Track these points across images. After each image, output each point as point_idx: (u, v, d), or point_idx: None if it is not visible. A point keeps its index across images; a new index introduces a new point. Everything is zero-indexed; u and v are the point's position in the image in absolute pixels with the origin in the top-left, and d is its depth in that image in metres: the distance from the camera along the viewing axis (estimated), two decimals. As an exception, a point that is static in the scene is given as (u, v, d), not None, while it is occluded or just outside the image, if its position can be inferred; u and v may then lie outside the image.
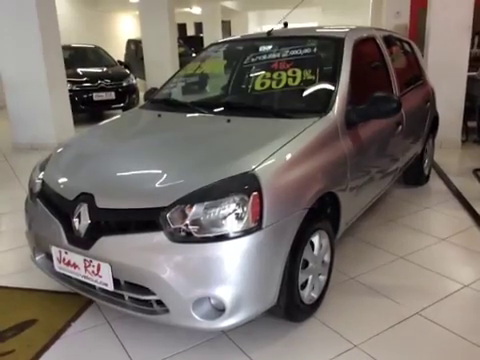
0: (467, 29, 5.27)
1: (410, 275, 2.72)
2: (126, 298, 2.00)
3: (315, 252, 2.24)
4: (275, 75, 2.74)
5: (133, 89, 8.88)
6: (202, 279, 1.82)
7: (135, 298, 1.98)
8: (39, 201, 2.28)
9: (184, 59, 11.70)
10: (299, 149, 2.14)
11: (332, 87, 2.55)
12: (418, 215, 3.67)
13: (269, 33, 3.12)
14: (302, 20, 29.21)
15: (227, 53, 3.24)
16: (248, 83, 2.79)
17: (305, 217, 2.06)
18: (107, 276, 1.96)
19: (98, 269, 1.98)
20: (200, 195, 1.85)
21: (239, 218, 1.82)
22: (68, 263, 2.10)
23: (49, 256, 2.31)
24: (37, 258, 2.39)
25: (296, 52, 2.85)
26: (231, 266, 1.81)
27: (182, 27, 21.01)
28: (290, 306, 2.11)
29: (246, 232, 1.82)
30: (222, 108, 2.66)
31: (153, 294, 1.89)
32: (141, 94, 9.67)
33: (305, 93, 2.65)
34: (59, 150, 2.62)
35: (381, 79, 3.20)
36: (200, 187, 1.86)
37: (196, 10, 18.52)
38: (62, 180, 2.25)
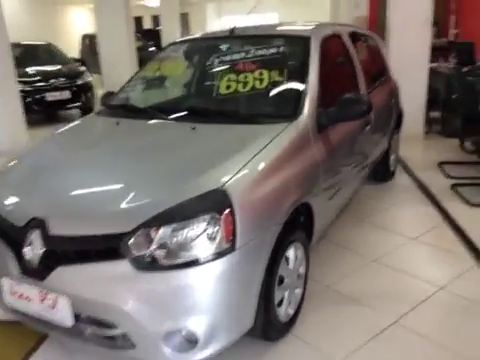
0: (427, 22, 5.29)
1: (385, 279, 2.67)
2: (87, 333, 1.82)
3: (290, 266, 2.13)
4: (241, 77, 2.58)
5: (89, 87, 8.52)
6: (172, 310, 1.67)
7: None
8: None
9: (142, 53, 11.39)
10: (271, 159, 2.01)
11: (301, 89, 2.43)
12: (387, 213, 3.63)
13: (232, 32, 2.96)
14: (261, 10, 29.18)
15: (188, 53, 3.06)
16: (212, 86, 2.63)
17: (280, 231, 1.94)
18: (65, 310, 1.77)
19: (55, 302, 1.79)
20: (166, 217, 1.69)
21: (210, 239, 1.68)
22: (21, 296, 1.89)
23: None
24: None
25: (262, 52, 2.71)
26: (204, 294, 1.67)
27: (138, 20, 20.43)
28: (267, 326, 1.99)
29: (219, 255, 1.67)
30: (185, 114, 2.49)
31: (117, 328, 1.73)
32: (98, 92, 9.40)
33: (273, 96, 2.51)
34: (8, 165, 2.38)
35: (348, 78, 3.11)
36: (166, 208, 1.70)
37: (152, 2, 18.02)
38: (10, 202, 2.03)
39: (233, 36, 2.97)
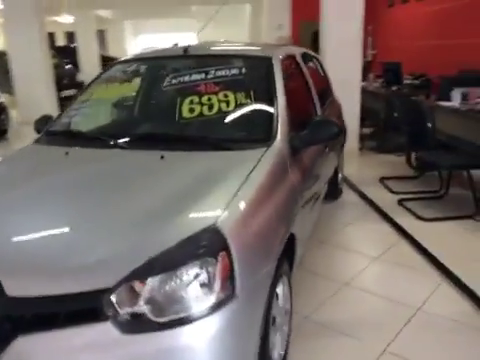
0: (358, 43, 5.50)
1: (361, 305, 2.59)
2: None
3: (280, 303, 1.96)
4: (204, 99, 2.39)
5: (2, 108, 7.75)
6: None
7: None
8: None
9: (59, 71, 10.69)
10: (257, 188, 1.83)
11: (272, 112, 2.30)
12: (344, 232, 3.62)
13: (186, 50, 2.77)
14: (179, 29, 29.25)
15: (139, 73, 2.80)
16: (173, 109, 2.38)
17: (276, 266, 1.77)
18: (30, 390, 1.43)
19: (15, 384, 1.44)
20: (152, 266, 1.43)
21: (207, 289, 1.45)
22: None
23: None
24: None
25: (222, 73, 2.54)
26: (203, 354, 1.43)
27: (50, 36, 19.32)
28: None
29: (218, 305, 1.45)
30: (148, 142, 2.23)
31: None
32: (12, 113, 8.60)
33: (243, 120, 2.35)
34: None
35: (306, 99, 3.05)
36: (151, 255, 1.44)
37: (66, 19, 17.14)
38: None
39: (187, 55, 2.78)
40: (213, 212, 1.61)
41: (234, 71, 2.56)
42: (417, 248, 3.20)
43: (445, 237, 3.39)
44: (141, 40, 28.78)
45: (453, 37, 6.99)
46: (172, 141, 2.22)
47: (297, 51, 3.27)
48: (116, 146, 2.21)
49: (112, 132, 2.41)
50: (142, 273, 1.42)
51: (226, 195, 1.71)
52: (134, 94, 2.59)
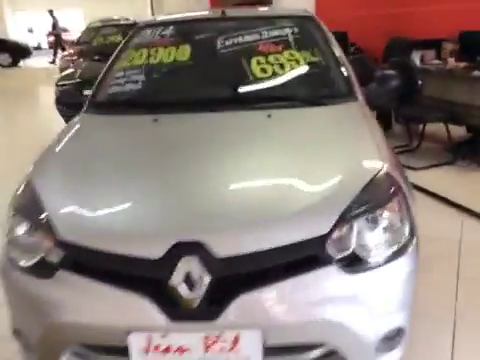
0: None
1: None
2: None
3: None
4: (271, 59, 2.38)
5: None
6: (386, 312, 1.48)
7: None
8: (70, 274, 1.44)
9: None
10: (381, 135, 1.94)
11: (342, 67, 2.39)
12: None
13: (223, 12, 2.70)
14: (62, 5, 26.95)
15: (180, 36, 2.63)
16: (243, 71, 2.32)
17: None
18: (253, 347, 1.39)
19: (234, 342, 1.38)
20: (356, 208, 1.48)
21: (401, 225, 1.54)
22: (167, 350, 1.40)
23: (77, 354, 1.52)
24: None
25: (276, 33, 2.54)
26: (408, 285, 1.53)
27: None
28: None
29: (411, 239, 1.55)
30: (238, 103, 2.18)
31: (320, 348, 1.45)
32: None
33: (321, 77, 2.41)
34: (76, 185, 1.67)
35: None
36: (348, 202, 1.48)
37: None
38: (119, 232, 1.47)
39: (228, 17, 2.71)
40: (374, 160, 1.69)
41: (287, 31, 2.57)
42: (426, 193, 3.55)
43: (444, 181, 3.82)
44: (20, 17, 26.08)
45: (384, 8, 7.57)
46: (264, 101, 2.19)
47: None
48: (208, 109, 2.12)
49: (192, 96, 2.27)
50: (347, 218, 1.45)
51: (370, 144, 1.79)
52: (187, 57, 2.45)
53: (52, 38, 19.98)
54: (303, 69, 2.36)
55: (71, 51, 10.38)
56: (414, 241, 1.56)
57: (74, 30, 30.68)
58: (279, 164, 1.70)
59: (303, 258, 1.40)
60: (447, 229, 3.01)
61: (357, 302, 1.42)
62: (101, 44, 6.62)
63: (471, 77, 4.13)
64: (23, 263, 1.53)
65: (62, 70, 9.38)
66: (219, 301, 1.36)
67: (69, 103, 2.62)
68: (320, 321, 1.39)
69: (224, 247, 1.38)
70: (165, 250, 1.37)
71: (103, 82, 2.49)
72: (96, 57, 6.47)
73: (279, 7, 5.59)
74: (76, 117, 2.32)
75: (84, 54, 6.63)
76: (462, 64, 4.37)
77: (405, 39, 6.34)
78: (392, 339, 1.53)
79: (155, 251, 1.38)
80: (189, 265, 1.36)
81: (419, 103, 4.04)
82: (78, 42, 11.30)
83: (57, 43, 18.43)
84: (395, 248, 1.49)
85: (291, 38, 2.53)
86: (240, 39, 2.52)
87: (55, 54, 18.05)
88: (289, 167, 1.67)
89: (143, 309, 1.37)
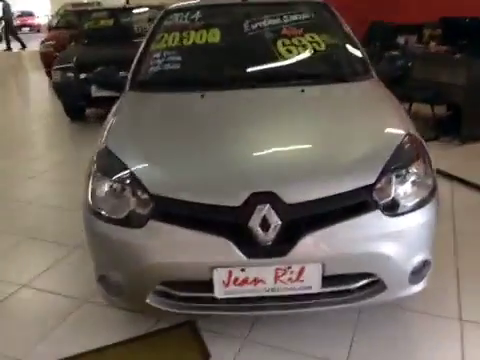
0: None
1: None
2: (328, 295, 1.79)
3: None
4: (295, 41, 2.66)
5: None
6: (418, 246, 1.82)
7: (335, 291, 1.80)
8: (161, 223, 1.71)
9: None
10: (399, 105, 2.27)
11: (357, 48, 2.71)
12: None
13: (243, -1, 2.96)
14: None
15: (209, 20, 2.86)
16: (272, 52, 2.58)
17: None
18: (314, 277, 1.71)
19: (299, 274, 1.70)
20: (394, 163, 1.80)
21: (426, 178, 1.88)
22: (244, 281, 1.71)
23: (159, 293, 1.81)
24: (148, 299, 1.81)
25: (296, 17, 2.82)
26: (433, 226, 1.87)
27: None
28: None
29: (433, 191, 1.89)
30: (273, 80, 2.47)
31: (366, 278, 1.78)
32: None
33: (341, 57, 2.71)
34: (155, 147, 1.96)
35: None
36: (390, 155, 1.81)
37: None
38: (205, 185, 1.75)
39: (248, 3, 2.98)
40: (400, 126, 2.03)
41: (305, 15, 2.85)
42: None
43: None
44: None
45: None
46: (294, 78, 2.48)
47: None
48: (246, 86, 2.40)
49: (232, 75, 2.54)
50: (387, 171, 1.78)
51: (395, 113, 2.14)
52: (217, 40, 2.69)
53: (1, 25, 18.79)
54: (325, 50, 2.66)
55: (51, 35, 10.33)
56: (436, 191, 1.91)
57: (41, 15, 29.80)
58: (325, 129, 2.02)
59: (355, 204, 1.72)
60: (440, 193, 3.39)
61: (396, 239, 1.75)
62: (92, 29, 6.69)
63: (453, 60, 4.54)
64: (114, 216, 1.78)
65: (44, 55, 9.37)
66: (288, 240, 1.67)
67: (106, 83, 2.80)
68: (368, 253, 1.72)
69: (292, 196, 1.68)
70: (244, 199, 1.66)
71: (142, 62, 2.72)
72: (85, 41, 6.56)
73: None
74: (122, 95, 2.54)
75: (76, 38, 6.69)
76: (444, 48, 4.77)
77: (387, 24, 6.72)
78: (420, 271, 1.87)
79: (235, 200, 1.66)
80: (263, 211, 1.65)
81: (407, 84, 4.42)
82: (57, 27, 11.21)
83: (7, 29, 17.44)
84: (423, 196, 1.83)
85: (309, 22, 2.82)
86: (264, 23, 2.79)
87: (8, 41, 17.28)
88: (334, 131, 1.99)
89: (225, 249, 1.66)
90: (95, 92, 5.29)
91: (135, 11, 7.07)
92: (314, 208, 1.69)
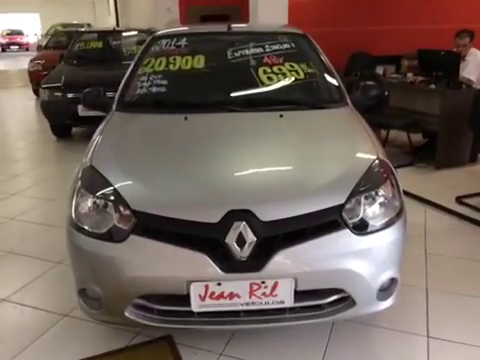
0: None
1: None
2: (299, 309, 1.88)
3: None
4: (275, 69, 2.81)
5: None
6: (386, 264, 1.92)
7: (305, 306, 1.89)
8: (141, 238, 1.79)
9: None
10: (372, 132, 2.41)
11: (334, 77, 2.86)
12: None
13: (229, 28, 3.11)
14: (20, 10, 26.31)
15: (195, 47, 2.99)
16: (253, 79, 2.73)
17: None
18: (286, 292, 1.80)
19: (273, 288, 1.79)
20: (362, 186, 1.92)
21: (393, 200, 2.00)
22: (220, 296, 1.78)
23: (137, 306, 1.87)
24: (126, 313, 1.87)
25: (276, 47, 2.98)
26: (400, 245, 1.98)
27: None
28: None
29: (400, 211, 2.01)
30: (254, 105, 2.59)
31: (336, 293, 1.87)
32: None
33: (318, 85, 2.86)
34: (139, 165, 2.07)
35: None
36: (356, 181, 1.92)
37: None
38: (183, 202, 1.85)
39: (232, 32, 3.13)
40: (371, 150, 2.15)
41: (286, 45, 3.01)
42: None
43: (406, 180, 4.30)
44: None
45: (346, 25, 8.26)
46: (274, 104, 2.61)
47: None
48: (228, 110, 2.52)
49: (214, 99, 2.66)
50: (356, 193, 1.89)
51: (366, 138, 2.26)
52: (202, 66, 2.82)
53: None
54: (303, 78, 2.81)
55: (41, 54, 10.46)
56: (403, 212, 2.03)
57: (30, 34, 30.11)
58: (300, 152, 2.14)
59: (326, 223, 1.83)
60: (413, 216, 3.52)
61: (364, 257, 1.86)
62: (82, 50, 6.83)
63: (428, 90, 4.76)
64: (96, 230, 1.85)
65: (32, 73, 9.48)
66: (262, 256, 1.76)
67: (94, 103, 2.89)
68: (337, 270, 1.82)
69: (267, 214, 1.78)
70: (221, 216, 1.75)
71: (130, 85, 2.84)
72: (74, 61, 6.69)
73: (256, 23, 6.05)
74: (109, 115, 2.64)
75: (65, 58, 6.81)
76: (420, 78, 5.00)
77: (367, 54, 7.00)
78: (388, 288, 1.98)
79: (213, 217, 1.75)
80: (240, 228, 1.74)
81: (384, 112, 4.61)
82: (46, 46, 11.35)
83: None
84: (390, 216, 1.95)
85: (290, 52, 2.98)
86: (247, 51, 2.94)
87: None
88: (308, 154, 2.12)
89: (202, 263, 1.74)
90: (82, 111, 5.38)
91: (124, 34, 7.25)
92: (287, 226, 1.79)
